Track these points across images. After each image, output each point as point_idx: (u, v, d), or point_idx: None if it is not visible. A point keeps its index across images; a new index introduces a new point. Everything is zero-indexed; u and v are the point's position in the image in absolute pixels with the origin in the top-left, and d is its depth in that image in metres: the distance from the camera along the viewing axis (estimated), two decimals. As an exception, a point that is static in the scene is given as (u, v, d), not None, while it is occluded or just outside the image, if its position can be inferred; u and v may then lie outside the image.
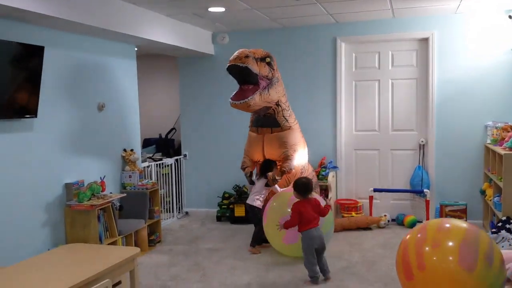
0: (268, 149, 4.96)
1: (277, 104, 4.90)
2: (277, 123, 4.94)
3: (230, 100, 4.66)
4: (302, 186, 4.19)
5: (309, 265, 4.03)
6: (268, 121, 4.95)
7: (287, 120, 4.97)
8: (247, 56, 4.47)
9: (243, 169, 5.11)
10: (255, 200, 4.91)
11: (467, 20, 5.67)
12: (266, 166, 4.96)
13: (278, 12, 5.42)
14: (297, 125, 5.15)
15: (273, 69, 4.81)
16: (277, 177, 4.87)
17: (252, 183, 5.05)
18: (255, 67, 4.54)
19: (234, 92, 4.73)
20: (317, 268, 4.05)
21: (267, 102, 4.76)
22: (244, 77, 4.63)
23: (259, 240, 4.98)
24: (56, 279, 2.86)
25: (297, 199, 4.19)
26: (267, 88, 4.72)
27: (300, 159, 5.08)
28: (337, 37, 6.12)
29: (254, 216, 4.97)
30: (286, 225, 4.12)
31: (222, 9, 5.13)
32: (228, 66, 4.52)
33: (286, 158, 4.90)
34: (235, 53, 4.55)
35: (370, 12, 5.56)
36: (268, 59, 4.74)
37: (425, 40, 5.86)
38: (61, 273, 2.98)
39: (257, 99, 4.61)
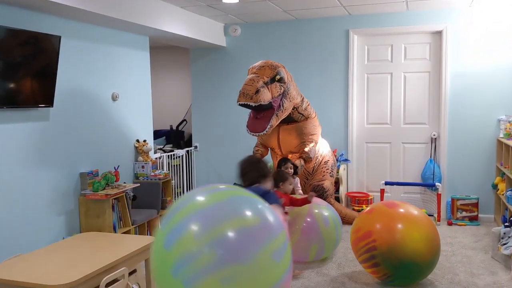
0: (284, 139, 4.88)
1: (293, 108, 4.81)
2: (292, 119, 4.87)
3: (247, 129, 4.51)
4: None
5: None
6: (285, 119, 4.82)
7: (302, 115, 4.91)
8: (257, 91, 4.25)
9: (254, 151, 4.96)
10: None
11: (481, 13, 5.62)
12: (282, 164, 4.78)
13: (291, 4, 5.41)
14: (313, 114, 5.07)
15: (285, 82, 4.56)
16: (301, 163, 4.69)
17: None
18: (267, 97, 4.34)
19: (249, 118, 4.56)
20: None
21: (284, 116, 4.64)
22: (256, 109, 4.46)
23: None
24: (74, 266, 2.89)
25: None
26: (281, 104, 4.52)
27: (319, 148, 5.07)
28: (350, 29, 6.10)
29: None
30: None
31: (235, 0, 5.13)
32: (239, 104, 4.34)
33: (304, 147, 4.83)
34: (244, 86, 4.29)
35: (384, 5, 5.53)
36: (277, 76, 4.47)
37: (439, 33, 5.83)
38: (78, 261, 3.01)
39: (274, 123, 4.48)
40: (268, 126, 4.42)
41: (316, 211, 4.31)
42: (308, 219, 4.24)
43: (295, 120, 4.86)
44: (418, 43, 5.96)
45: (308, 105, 5.03)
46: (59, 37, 4.00)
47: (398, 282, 3.75)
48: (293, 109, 4.78)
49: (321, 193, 4.93)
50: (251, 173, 3.47)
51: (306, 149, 4.78)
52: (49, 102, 4.01)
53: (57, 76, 4.04)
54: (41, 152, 4.08)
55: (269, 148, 5.12)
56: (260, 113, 4.50)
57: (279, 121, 4.59)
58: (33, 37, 3.79)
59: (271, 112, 4.47)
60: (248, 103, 4.27)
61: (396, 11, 5.87)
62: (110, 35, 4.93)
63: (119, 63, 5.10)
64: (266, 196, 3.12)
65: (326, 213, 4.31)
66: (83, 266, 2.87)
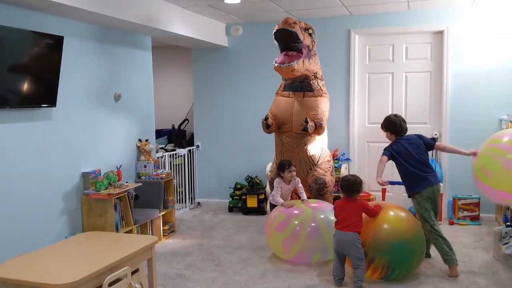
0: (298, 113, 4.92)
1: (315, 75, 5.02)
2: (311, 88, 5.00)
3: (274, 63, 4.66)
4: (345, 185, 3.90)
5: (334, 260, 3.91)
6: (302, 86, 5.00)
7: (321, 88, 5.06)
8: (295, 23, 4.57)
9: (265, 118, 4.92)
10: (272, 195, 4.80)
11: (483, 13, 5.63)
12: (284, 164, 4.78)
13: (293, 4, 5.42)
14: (328, 96, 5.19)
15: (314, 41, 4.95)
16: (312, 125, 4.74)
17: (268, 126, 4.88)
18: (301, 36, 4.66)
19: (278, 58, 4.73)
20: (337, 269, 3.85)
21: (307, 70, 4.87)
22: (290, 43, 4.67)
23: None
24: (77, 265, 2.91)
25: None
26: (308, 57, 4.83)
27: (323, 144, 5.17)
28: (351, 29, 6.11)
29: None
30: None
31: (237, 1, 5.14)
32: (277, 30, 4.57)
33: (316, 118, 4.86)
34: (282, 20, 4.60)
35: (385, 4, 5.54)
36: (310, 31, 4.89)
37: (440, 33, 5.84)
38: (81, 260, 3.03)
39: (300, 65, 4.71)
40: (295, 62, 4.64)
41: (321, 216, 4.28)
42: (313, 225, 4.22)
43: (313, 89, 4.99)
44: (420, 43, 5.97)
45: (324, 87, 5.21)
46: (62, 37, 4.01)
47: (398, 271, 3.81)
48: (315, 77, 5.00)
49: (322, 187, 4.94)
50: (405, 125, 4.35)
51: (317, 120, 4.85)
52: (52, 102, 4.02)
53: (59, 76, 4.05)
54: (44, 152, 4.09)
55: (275, 131, 5.14)
56: (290, 52, 4.72)
57: (304, 70, 4.80)
58: (36, 37, 3.80)
59: (299, 55, 4.72)
60: (286, 28, 4.51)
61: (398, 11, 5.87)
62: (113, 35, 4.94)
63: (122, 63, 5.12)
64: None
65: (330, 218, 4.23)
66: (86, 265, 2.88)
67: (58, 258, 3.07)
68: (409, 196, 4.24)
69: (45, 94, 3.96)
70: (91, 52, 4.64)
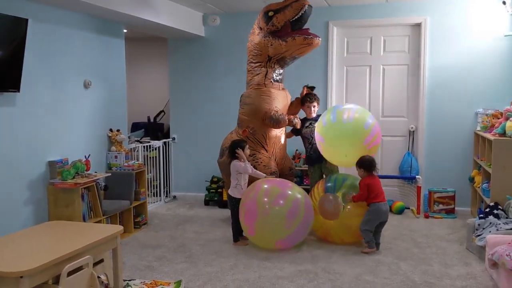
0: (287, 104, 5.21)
1: None
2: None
3: (317, 38, 4.84)
4: (367, 163, 4.38)
5: (367, 233, 4.29)
6: (282, 77, 5.17)
7: None
8: None
9: (284, 117, 4.88)
10: (232, 188, 4.63)
11: (461, 6, 5.62)
12: (237, 146, 4.57)
13: (270, -7, 5.33)
14: None
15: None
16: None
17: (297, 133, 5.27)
18: None
19: (305, 31, 4.84)
20: (372, 235, 4.34)
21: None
22: (306, 20, 4.87)
23: (240, 231, 4.66)
24: (37, 253, 2.83)
25: (364, 176, 4.42)
26: None
27: None
28: (329, 21, 6.05)
29: (230, 206, 4.69)
30: (355, 199, 4.34)
31: (212, -12, 5.04)
32: (309, 6, 4.75)
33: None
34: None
35: (363, -4, 5.50)
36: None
37: (418, 26, 5.81)
38: (42, 248, 2.95)
39: None
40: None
41: (289, 192, 4.39)
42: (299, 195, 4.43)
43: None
44: (397, 35, 5.94)
45: None
46: (26, 20, 3.86)
47: None
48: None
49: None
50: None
51: None
52: (16, 87, 3.87)
53: (24, 60, 3.90)
54: (8, 139, 3.94)
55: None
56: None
57: None
58: (-2, 19, 3.65)
59: None
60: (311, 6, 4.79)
61: (376, 3, 5.83)
62: (83, 21, 4.79)
63: (93, 50, 4.97)
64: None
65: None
66: (46, 253, 2.81)
67: (18, 246, 2.98)
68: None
69: (8, 78, 3.81)
70: (60, 37, 4.48)
